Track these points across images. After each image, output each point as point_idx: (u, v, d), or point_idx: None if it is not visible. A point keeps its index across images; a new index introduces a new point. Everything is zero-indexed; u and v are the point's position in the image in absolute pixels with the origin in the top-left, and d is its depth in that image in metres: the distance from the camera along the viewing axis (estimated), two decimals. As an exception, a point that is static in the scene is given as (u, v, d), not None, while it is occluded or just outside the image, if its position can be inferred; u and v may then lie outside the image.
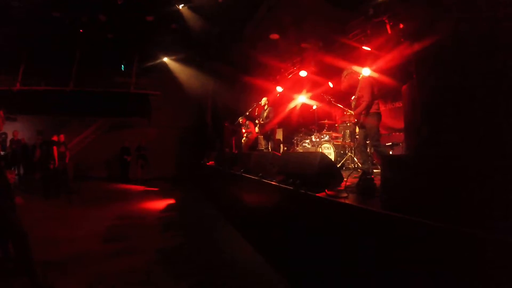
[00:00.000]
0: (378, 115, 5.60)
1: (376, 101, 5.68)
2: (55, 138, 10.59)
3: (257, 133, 10.37)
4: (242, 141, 11.50)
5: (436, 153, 3.16)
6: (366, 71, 6.85)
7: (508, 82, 2.89)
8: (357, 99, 5.92)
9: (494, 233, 1.89)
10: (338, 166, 7.92)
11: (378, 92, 5.88)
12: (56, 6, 11.65)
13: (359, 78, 6.11)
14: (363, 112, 5.58)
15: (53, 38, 14.06)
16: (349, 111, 7.19)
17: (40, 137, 12.16)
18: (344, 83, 6.40)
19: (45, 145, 10.46)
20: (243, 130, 11.35)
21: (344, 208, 3.24)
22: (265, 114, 9.73)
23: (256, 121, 10.03)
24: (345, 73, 6.26)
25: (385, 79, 8.52)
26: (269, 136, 9.68)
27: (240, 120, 11.12)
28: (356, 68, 6.32)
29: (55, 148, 10.28)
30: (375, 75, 8.15)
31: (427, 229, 2.26)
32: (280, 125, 12.30)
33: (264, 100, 9.92)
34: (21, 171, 13.58)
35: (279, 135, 12.43)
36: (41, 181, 10.35)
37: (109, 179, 15.89)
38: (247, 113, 10.82)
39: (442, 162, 2.60)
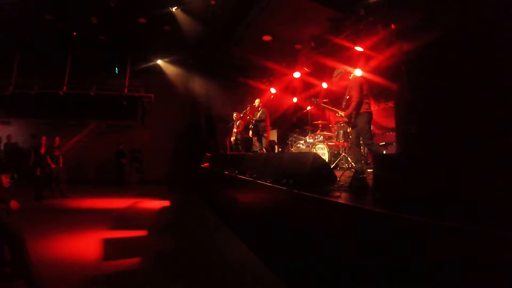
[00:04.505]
0: (369, 114, 5.63)
1: (366, 101, 5.70)
2: (42, 141, 10.57)
3: (249, 133, 10.36)
4: (232, 139, 11.24)
5: (425, 151, 3.21)
6: (358, 71, 6.89)
7: (493, 82, 2.95)
8: (347, 100, 5.95)
9: (486, 229, 1.93)
10: (332, 166, 7.97)
11: (370, 91, 5.90)
12: (49, 9, 11.63)
13: (350, 78, 6.14)
14: (353, 113, 5.61)
15: (46, 41, 14.02)
16: (340, 112, 7.21)
17: (34, 140, 12.13)
18: (335, 83, 6.43)
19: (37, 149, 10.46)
20: (234, 130, 11.09)
21: (337, 207, 3.28)
22: (258, 115, 9.75)
23: (250, 120, 10.05)
24: (335, 72, 6.27)
25: (377, 79, 8.58)
26: (262, 137, 9.70)
27: (234, 116, 11.08)
28: (347, 68, 6.33)
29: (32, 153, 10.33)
30: (367, 75, 8.21)
31: (419, 226, 2.30)
32: (275, 126, 12.32)
33: (257, 101, 9.94)
34: (15, 175, 13.53)
35: (273, 136, 12.43)
36: (34, 185, 10.36)
37: (104, 182, 15.79)
38: (243, 112, 10.78)
39: (431, 160, 2.65)
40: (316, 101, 9.52)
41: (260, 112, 9.73)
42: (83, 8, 11.61)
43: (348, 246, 3.02)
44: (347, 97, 5.96)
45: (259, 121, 9.63)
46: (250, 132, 10.18)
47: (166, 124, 17.32)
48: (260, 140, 9.84)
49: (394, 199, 2.75)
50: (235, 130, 10.84)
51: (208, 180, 10.72)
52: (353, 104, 5.59)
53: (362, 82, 5.74)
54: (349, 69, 6.35)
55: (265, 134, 9.59)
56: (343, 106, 6.25)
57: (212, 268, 4.78)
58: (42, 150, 10.40)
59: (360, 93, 5.57)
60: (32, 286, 3.61)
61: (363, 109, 5.61)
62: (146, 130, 17.16)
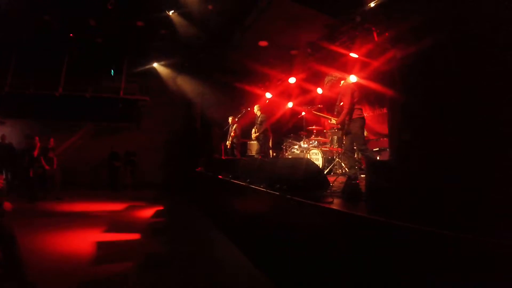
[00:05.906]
0: (362, 120, 5.68)
1: (359, 107, 5.75)
2: (36, 142, 10.57)
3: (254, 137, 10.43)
4: (228, 144, 11.20)
5: (417, 157, 3.24)
6: (352, 78, 6.94)
7: (486, 87, 2.99)
8: (339, 106, 6.00)
9: (477, 235, 1.95)
10: (326, 171, 8.01)
11: (364, 97, 5.96)
12: (46, 10, 11.61)
13: (341, 85, 6.19)
14: (346, 119, 5.65)
15: (43, 42, 13.98)
16: (333, 119, 7.25)
17: (28, 141, 12.09)
18: (326, 90, 6.50)
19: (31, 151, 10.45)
20: (232, 134, 10.98)
21: (329, 213, 3.30)
22: (258, 121, 9.82)
23: (254, 130, 10.14)
24: (327, 79, 6.33)
25: (372, 85, 8.64)
26: (262, 141, 9.76)
27: (230, 120, 11.11)
28: (338, 75, 6.38)
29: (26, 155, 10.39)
30: (362, 81, 8.27)
31: (411, 233, 2.32)
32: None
33: (256, 108, 10.00)
34: (9, 176, 13.44)
35: (269, 141, 12.49)
36: (28, 186, 10.33)
37: (98, 185, 15.72)
38: (238, 116, 10.87)
39: (423, 166, 2.68)
40: (309, 108, 9.59)
41: (260, 118, 9.86)
42: (80, 10, 11.60)
43: (341, 252, 3.04)
44: (340, 103, 6.01)
45: (260, 127, 9.72)
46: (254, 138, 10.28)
47: (162, 127, 17.29)
48: (261, 144, 9.93)
49: (387, 205, 2.77)
50: (232, 134, 10.84)
51: (203, 184, 10.72)
52: (345, 111, 5.65)
53: (353, 89, 5.79)
54: (340, 76, 6.40)
55: (266, 139, 9.71)
56: (335, 113, 6.31)
57: (204, 272, 4.78)
58: (36, 151, 10.36)
59: (352, 100, 5.63)
60: (24, 286, 3.60)
61: (355, 115, 5.67)
62: (141, 133, 17.10)
